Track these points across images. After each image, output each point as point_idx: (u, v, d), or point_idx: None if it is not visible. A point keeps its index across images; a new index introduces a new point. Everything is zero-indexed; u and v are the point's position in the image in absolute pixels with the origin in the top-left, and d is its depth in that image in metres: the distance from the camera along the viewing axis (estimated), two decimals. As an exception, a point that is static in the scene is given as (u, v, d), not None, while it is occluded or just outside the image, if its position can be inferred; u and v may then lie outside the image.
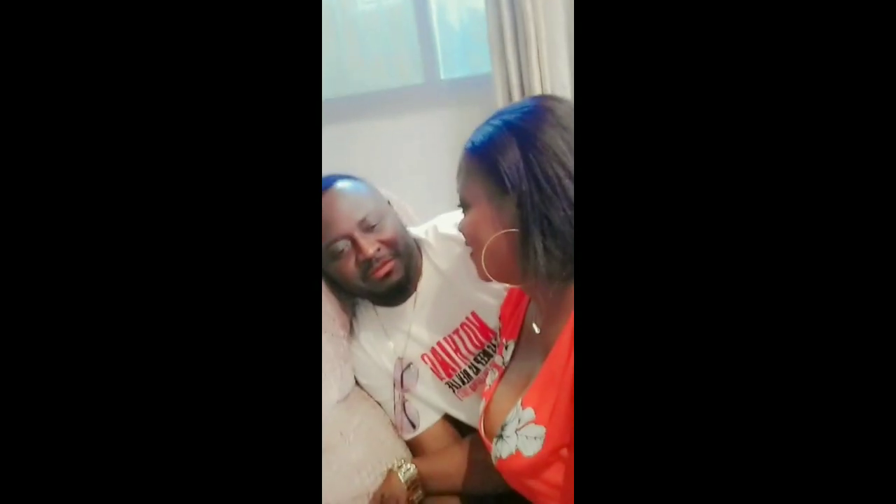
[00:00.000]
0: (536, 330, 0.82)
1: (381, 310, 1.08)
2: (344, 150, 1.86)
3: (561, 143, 0.72)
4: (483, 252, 0.76)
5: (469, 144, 0.78)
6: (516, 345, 0.88)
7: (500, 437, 0.77)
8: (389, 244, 1.00)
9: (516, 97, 1.68)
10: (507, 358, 0.88)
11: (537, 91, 1.65)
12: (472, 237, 0.79)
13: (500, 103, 1.69)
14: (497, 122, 0.76)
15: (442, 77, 1.89)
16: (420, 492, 1.00)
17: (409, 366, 1.06)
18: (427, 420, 1.08)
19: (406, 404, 1.07)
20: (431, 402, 1.07)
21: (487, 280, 0.79)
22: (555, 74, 1.65)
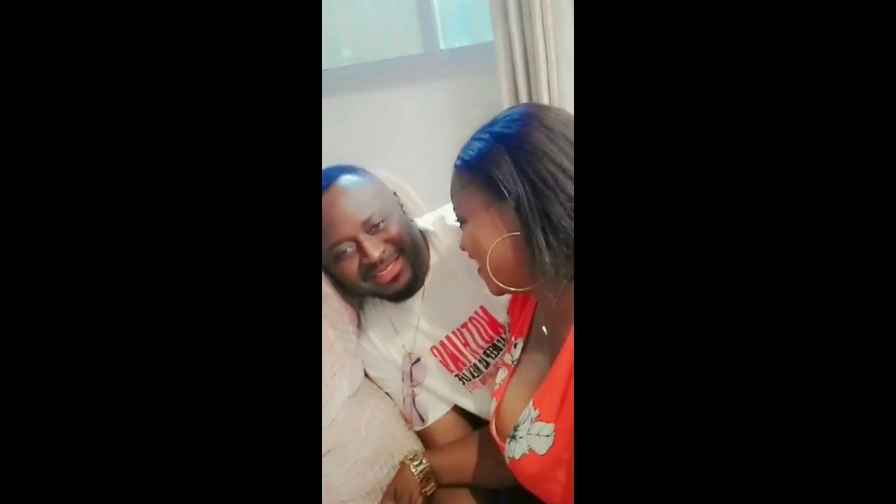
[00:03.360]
0: (545, 332, 0.85)
1: (389, 304, 1.09)
2: (340, 123, 1.85)
3: (549, 143, 0.75)
4: (488, 260, 0.79)
5: (459, 161, 0.81)
6: (525, 343, 0.91)
7: (513, 437, 0.80)
8: (394, 241, 1.00)
9: (519, 67, 1.67)
10: (517, 356, 0.90)
11: (542, 60, 1.64)
12: (474, 249, 0.82)
13: (503, 74, 1.68)
14: (484, 135, 0.80)
15: (441, 47, 1.87)
16: (432, 484, 1.04)
17: (417, 360, 1.08)
18: (437, 412, 1.10)
19: (416, 398, 1.09)
20: (441, 394, 1.10)
21: (500, 292, 0.82)
22: (559, 43, 1.64)
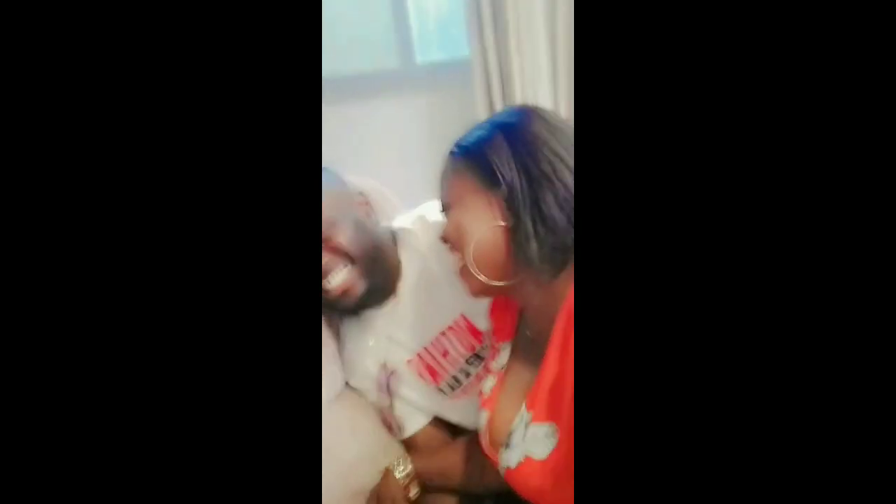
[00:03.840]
0: (529, 334, 0.84)
1: (366, 312, 1.06)
2: (314, 136, 1.83)
3: (548, 135, 0.75)
4: (471, 249, 0.76)
5: (455, 148, 0.81)
6: (513, 347, 0.89)
7: (507, 445, 0.77)
8: (340, 252, 0.94)
9: (495, 83, 1.69)
10: (505, 362, 0.88)
11: (516, 77, 1.65)
12: (456, 236, 0.79)
13: (479, 89, 1.69)
14: (484, 125, 0.80)
15: (418, 61, 1.87)
16: (417, 490, 1.03)
17: (392, 372, 1.06)
18: (415, 424, 1.09)
19: (393, 409, 1.08)
20: (419, 406, 1.08)
21: (479, 290, 0.79)
22: (534, 59, 1.65)
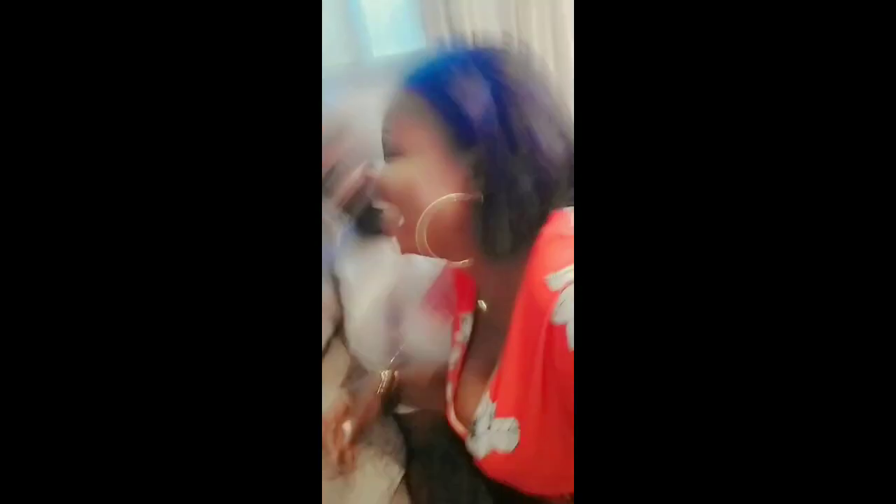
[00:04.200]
0: (484, 307, 0.77)
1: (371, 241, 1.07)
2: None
3: (545, 95, 0.62)
4: (423, 217, 0.62)
5: (419, 81, 0.63)
6: (474, 319, 0.83)
7: (473, 434, 0.71)
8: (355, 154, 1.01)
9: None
10: (468, 333, 0.83)
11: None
12: (404, 196, 0.63)
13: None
14: (454, 53, 0.63)
15: (373, 55, 1.89)
16: (396, 402, 0.98)
17: (402, 311, 1.05)
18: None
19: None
20: (429, 348, 1.02)
21: (420, 252, 0.65)
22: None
